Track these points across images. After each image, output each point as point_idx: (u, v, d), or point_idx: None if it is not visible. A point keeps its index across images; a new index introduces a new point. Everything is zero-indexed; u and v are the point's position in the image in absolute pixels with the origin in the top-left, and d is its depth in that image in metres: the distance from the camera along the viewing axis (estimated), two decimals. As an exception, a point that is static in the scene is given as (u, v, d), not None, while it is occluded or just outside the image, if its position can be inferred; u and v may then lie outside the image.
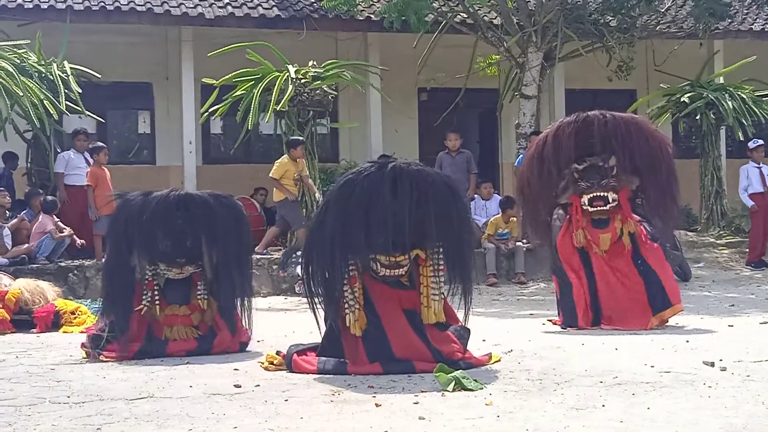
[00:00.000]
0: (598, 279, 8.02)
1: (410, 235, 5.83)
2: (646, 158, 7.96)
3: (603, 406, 4.68)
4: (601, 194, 7.96)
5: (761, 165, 13.91)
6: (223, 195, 7.36)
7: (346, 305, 5.95)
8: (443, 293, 6.07)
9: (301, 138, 12.99)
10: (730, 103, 15.38)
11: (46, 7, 14.71)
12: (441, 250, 6.02)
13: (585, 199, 8.01)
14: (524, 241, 12.83)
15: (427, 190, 5.86)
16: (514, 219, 13.23)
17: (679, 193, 8.13)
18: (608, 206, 7.97)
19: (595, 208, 7.98)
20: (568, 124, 8.16)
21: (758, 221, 13.72)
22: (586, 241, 8.02)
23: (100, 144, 13.16)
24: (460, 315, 6.20)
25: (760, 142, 14.29)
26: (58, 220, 12.36)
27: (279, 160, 12.86)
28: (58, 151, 13.52)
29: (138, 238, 7.02)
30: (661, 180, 8.00)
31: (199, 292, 7.22)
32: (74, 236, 12.37)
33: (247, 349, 7.20)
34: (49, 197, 12.48)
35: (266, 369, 6.15)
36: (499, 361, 6.22)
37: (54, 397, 5.32)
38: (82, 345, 7.12)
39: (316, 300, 6.05)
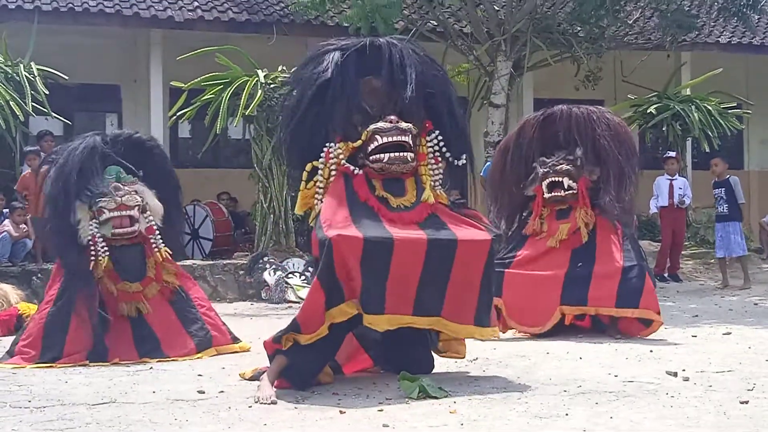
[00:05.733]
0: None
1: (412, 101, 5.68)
2: (610, 141, 7.96)
3: (566, 414, 4.70)
4: (557, 180, 7.99)
5: (675, 177, 13.92)
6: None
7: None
8: (441, 176, 5.78)
9: None
10: (696, 114, 15.52)
11: (13, 7, 14.58)
12: (438, 134, 5.81)
13: (544, 186, 8.06)
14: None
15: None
16: None
17: (639, 173, 8.13)
18: (564, 193, 7.98)
19: (552, 194, 8.01)
20: (533, 119, 8.39)
21: (668, 233, 13.74)
22: (543, 231, 8.05)
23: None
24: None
25: (672, 154, 14.36)
26: (25, 227, 12.17)
27: None
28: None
29: (73, 182, 6.98)
30: (621, 159, 7.95)
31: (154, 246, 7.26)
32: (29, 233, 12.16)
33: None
34: (16, 204, 12.35)
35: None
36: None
37: (15, 402, 5.27)
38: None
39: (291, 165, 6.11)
